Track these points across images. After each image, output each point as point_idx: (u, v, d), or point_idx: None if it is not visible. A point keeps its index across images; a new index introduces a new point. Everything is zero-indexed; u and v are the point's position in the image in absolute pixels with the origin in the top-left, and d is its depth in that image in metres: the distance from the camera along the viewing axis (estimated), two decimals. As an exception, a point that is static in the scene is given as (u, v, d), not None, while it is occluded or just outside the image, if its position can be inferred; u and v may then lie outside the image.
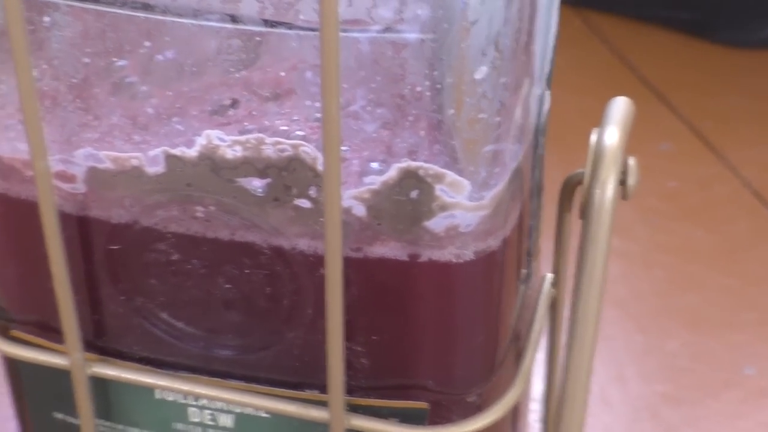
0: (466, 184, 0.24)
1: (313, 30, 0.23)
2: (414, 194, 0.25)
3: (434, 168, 0.24)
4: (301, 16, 0.23)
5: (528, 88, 0.26)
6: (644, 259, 0.57)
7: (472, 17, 0.23)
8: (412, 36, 0.23)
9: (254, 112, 0.25)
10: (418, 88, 0.23)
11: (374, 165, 0.25)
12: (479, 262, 0.26)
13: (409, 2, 0.22)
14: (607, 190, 0.27)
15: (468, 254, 0.25)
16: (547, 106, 0.28)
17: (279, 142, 0.24)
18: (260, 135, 0.24)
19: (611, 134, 0.27)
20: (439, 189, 0.24)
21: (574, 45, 0.72)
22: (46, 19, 0.24)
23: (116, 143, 0.26)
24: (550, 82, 0.27)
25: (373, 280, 0.26)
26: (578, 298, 0.28)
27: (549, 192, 0.31)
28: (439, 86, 0.23)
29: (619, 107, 0.28)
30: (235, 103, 0.25)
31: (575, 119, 0.54)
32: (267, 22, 0.23)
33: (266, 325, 0.27)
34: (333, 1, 0.21)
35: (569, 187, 0.29)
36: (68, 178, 0.26)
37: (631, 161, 0.27)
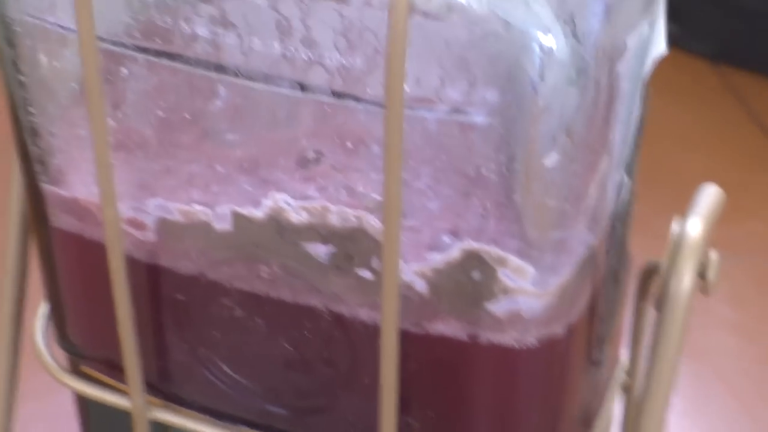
0: (530, 269, 0.24)
1: (379, 105, 0.23)
2: (476, 275, 0.24)
3: (497, 251, 0.24)
4: (368, 90, 0.23)
5: (605, 174, 0.25)
6: (757, 331, 0.55)
7: (543, 103, 0.22)
8: (479, 119, 0.22)
9: (320, 178, 0.24)
10: (484, 171, 0.23)
11: (438, 242, 0.24)
12: (542, 348, 0.25)
13: (478, 85, 0.22)
14: (684, 283, 0.26)
15: (530, 340, 0.25)
16: (626, 192, 0.27)
17: (343, 212, 0.24)
18: (325, 203, 0.24)
19: (694, 225, 0.26)
20: (502, 273, 0.24)
21: (706, 102, 0.70)
22: (124, 70, 0.25)
23: (191, 195, 0.26)
24: (631, 169, 0.26)
25: (432, 356, 0.25)
26: (647, 393, 0.27)
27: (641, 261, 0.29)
28: (506, 170, 0.23)
29: (708, 196, 0.27)
30: (315, 159, 0.25)
31: (696, 179, 0.52)
32: (335, 94, 0.23)
33: (323, 388, 0.27)
34: (399, 79, 0.21)
35: (647, 274, 0.28)
36: (139, 226, 0.26)
37: (713, 255, 0.26)
